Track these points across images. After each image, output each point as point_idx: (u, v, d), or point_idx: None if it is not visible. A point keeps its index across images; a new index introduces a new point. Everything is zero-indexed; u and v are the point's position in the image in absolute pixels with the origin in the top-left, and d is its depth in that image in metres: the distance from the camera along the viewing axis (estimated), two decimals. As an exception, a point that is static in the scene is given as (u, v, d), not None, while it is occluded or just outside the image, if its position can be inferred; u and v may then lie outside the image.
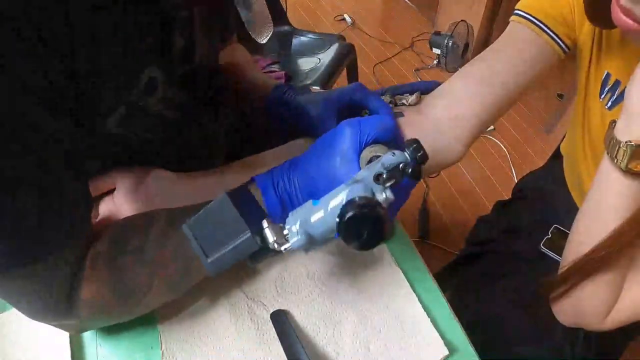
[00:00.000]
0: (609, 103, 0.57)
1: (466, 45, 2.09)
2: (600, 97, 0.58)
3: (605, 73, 0.56)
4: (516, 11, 0.58)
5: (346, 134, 0.40)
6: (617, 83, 0.55)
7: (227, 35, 0.67)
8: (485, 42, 2.17)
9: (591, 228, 0.49)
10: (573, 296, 0.51)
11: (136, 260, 0.40)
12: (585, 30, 0.56)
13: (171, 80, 0.45)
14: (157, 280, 0.41)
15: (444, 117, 0.53)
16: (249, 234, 0.35)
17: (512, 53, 0.57)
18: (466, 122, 0.54)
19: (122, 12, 0.37)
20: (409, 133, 0.51)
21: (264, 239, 0.35)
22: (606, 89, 0.57)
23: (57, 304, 0.38)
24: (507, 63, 0.56)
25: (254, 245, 0.35)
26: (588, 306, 0.50)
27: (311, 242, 0.36)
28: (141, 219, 0.43)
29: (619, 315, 0.50)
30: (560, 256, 0.70)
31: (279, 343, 0.46)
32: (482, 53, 0.58)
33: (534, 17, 0.56)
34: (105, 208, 0.48)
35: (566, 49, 0.57)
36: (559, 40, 0.56)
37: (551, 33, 0.56)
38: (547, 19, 0.56)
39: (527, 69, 0.56)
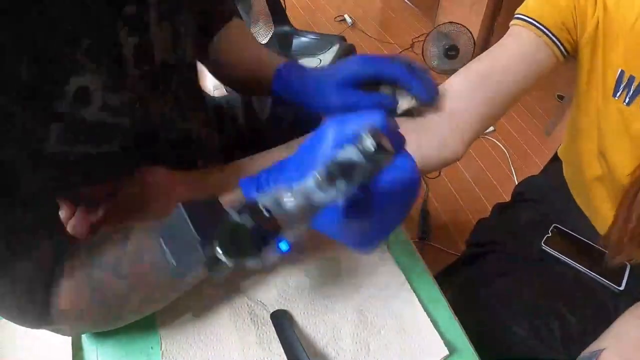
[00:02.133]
0: (627, 99, 0.57)
1: (455, 47, 2.09)
2: (615, 96, 0.58)
3: (620, 71, 0.57)
4: (516, 15, 0.60)
5: (328, 138, 0.36)
6: (631, 78, 0.56)
7: (219, 19, 0.64)
8: (486, 42, 2.17)
9: None
10: None
11: (113, 276, 0.39)
12: (587, 33, 0.57)
13: (117, 85, 0.41)
14: (136, 293, 0.40)
15: (442, 112, 0.54)
16: (200, 250, 0.31)
17: (511, 53, 0.58)
18: (463, 118, 0.54)
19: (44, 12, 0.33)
20: (404, 127, 0.50)
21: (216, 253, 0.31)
22: (621, 86, 0.57)
23: (33, 311, 0.38)
24: (505, 63, 0.57)
25: (203, 259, 0.31)
26: None
27: None
28: (117, 234, 0.41)
29: None
30: (561, 254, 0.71)
31: (279, 343, 0.46)
32: (482, 54, 0.59)
33: (533, 20, 0.57)
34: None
35: (565, 53, 0.58)
36: (558, 43, 0.57)
37: (550, 35, 0.57)
38: (547, 22, 0.57)
39: (525, 69, 0.57)
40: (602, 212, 0.70)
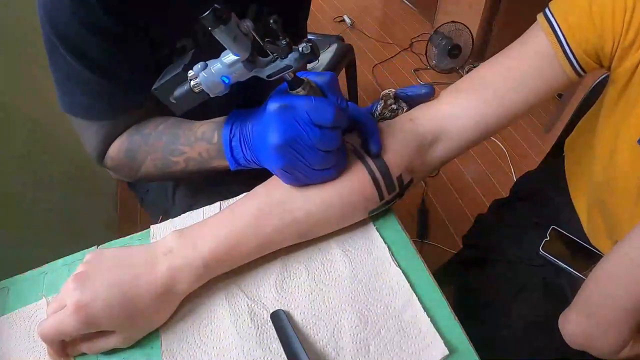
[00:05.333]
0: None
1: (457, 47, 2.09)
2: None
3: None
4: (546, 9, 0.54)
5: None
6: None
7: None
8: (485, 42, 2.17)
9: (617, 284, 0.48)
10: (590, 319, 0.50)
11: (142, 142, 0.60)
12: (623, 68, 0.51)
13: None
14: (149, 159, 0.60)
15: (428, 131, 0.55)
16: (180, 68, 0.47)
17: (516, 67, 0.54)
18: (447, 141, 0.55)
19: None
20: (389, 136, 0.53)
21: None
22: None
23: (99, 155, 0.64)
24: (506, 80, 0.54)
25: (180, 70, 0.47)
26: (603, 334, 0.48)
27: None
28: (159, 118, 0.62)
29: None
30: (559, 260, 0.70)
31: (279, 343, 0.46)
32: (487, 62, 0.57)
33: (557, 25, 0.51)
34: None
35: (582, 72, 0.53)
36: (575, 62, 0.52)
37: (569, 51, 0.51)
38: (571, 32, 0.51)
39: (527, 89, 0.54)
40: (593, 216, 0.70)
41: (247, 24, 0.42)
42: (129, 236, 0.57)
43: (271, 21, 0.43)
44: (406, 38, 2.39)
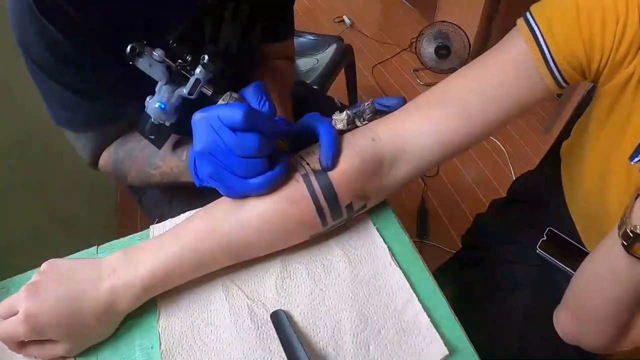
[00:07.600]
0: None
1: (447, 48, 2.09)
2: (631, 160, 0.49)
3: None
4: (527, 13, 0.49)
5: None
6: None
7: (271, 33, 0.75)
8: (484, 42, 2.17)
9: (588, 292, 0.49)
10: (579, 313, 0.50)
11: (125, 156, 0.64)
12: (614, 85, 0.47)
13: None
14: (133, 171, 0.64)
15: (388, 152, 0.51)
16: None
17: (490, 79, 0.49)
18: (408, 162, 0.51)
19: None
20: (346, 158, 0.50)
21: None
22: None
23: (89, 160, 0.67)
24: (479, 94, 0.49)
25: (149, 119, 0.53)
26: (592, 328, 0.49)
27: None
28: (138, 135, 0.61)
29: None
30: (556, 259, 0.70)
31: (279, 343, 0.46)
32: (460, 71, 0.52)
33: (540, 33, 0.46)
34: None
35: (564, 84, 0.48)
36: (558, 75, 0.47)
37: (552, 64, 0.46)
38: (556, 44, 0.46)
39: (501, 104, 0.49)
40: (587, 226, 0.69)
41: (158, 52, 0.48)
42: (129, 236, 0.57)
43: (170, 42, 0.49)
44: (406, 38, 2.38)
